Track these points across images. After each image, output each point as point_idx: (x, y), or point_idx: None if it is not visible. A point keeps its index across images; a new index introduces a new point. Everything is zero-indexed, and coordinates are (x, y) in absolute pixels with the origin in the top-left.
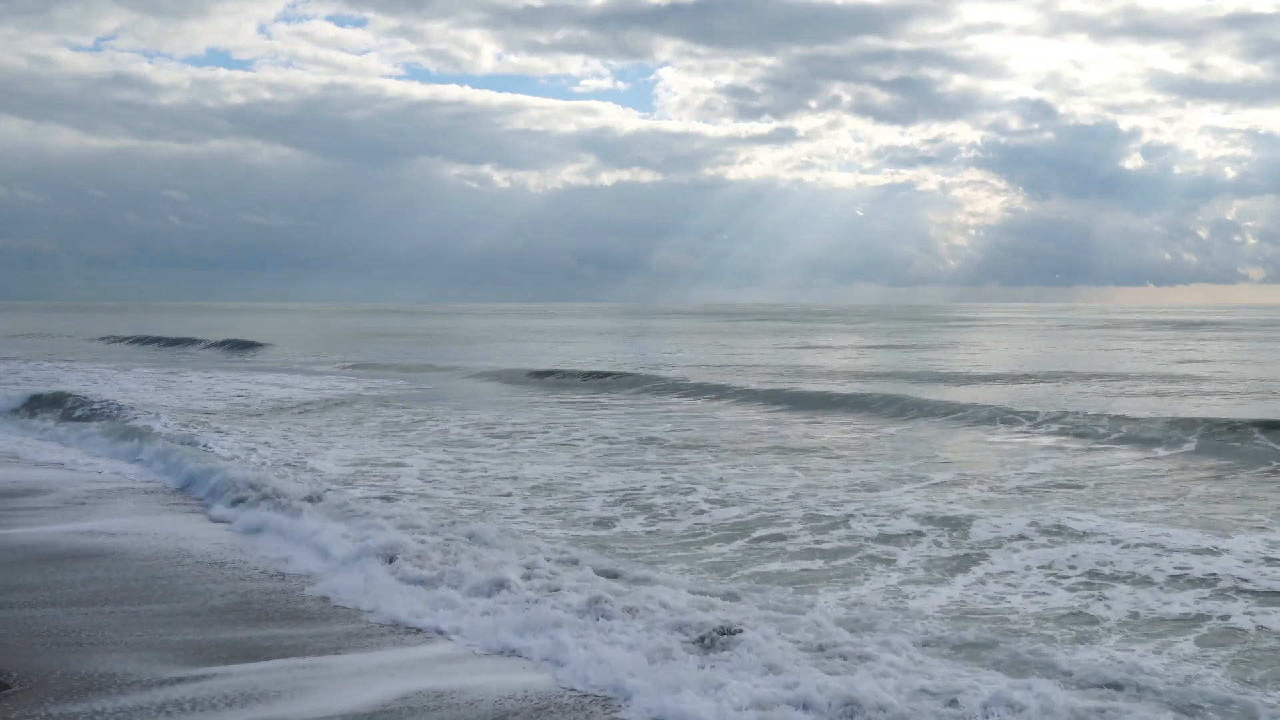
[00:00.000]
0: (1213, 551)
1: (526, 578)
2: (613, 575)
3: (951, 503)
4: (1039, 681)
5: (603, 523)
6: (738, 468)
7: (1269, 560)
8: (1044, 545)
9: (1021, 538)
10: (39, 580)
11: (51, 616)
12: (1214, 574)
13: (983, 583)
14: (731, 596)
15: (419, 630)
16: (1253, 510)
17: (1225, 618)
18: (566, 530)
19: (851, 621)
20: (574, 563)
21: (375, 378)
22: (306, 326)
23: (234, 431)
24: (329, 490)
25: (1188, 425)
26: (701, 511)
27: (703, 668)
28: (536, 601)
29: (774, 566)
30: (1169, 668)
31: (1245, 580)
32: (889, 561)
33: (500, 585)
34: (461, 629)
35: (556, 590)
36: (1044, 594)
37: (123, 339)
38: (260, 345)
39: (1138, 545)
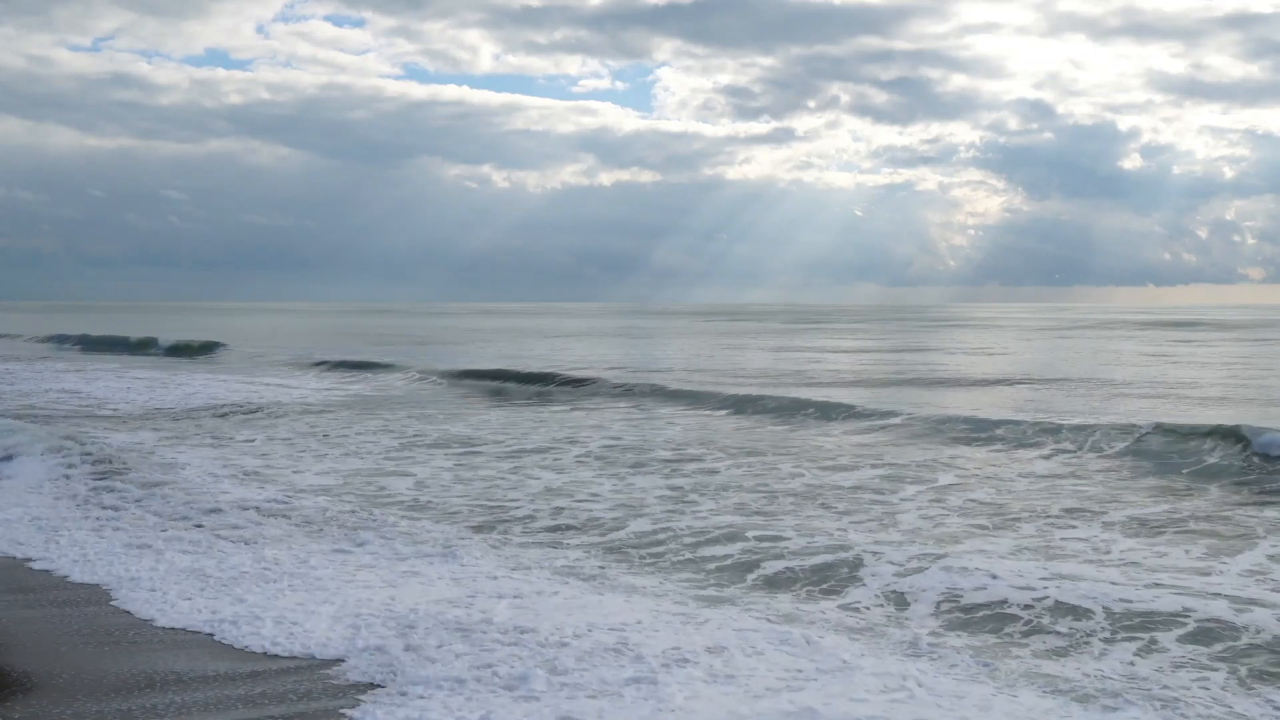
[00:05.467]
0: (1205, 572)
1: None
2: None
3: (944, 517)
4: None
5: (602, 526)
6: (741, 469)
7: (1257, 575)
8: (1036, 556)
9: (1009, 555)
10: None
11: (90, 615)
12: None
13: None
14: None
15: None
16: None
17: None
18: (576, 535)
19: None
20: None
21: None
22: (293, 326)
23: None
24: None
25: (1186, 433)
26: (700, 518)
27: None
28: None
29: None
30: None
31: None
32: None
33: None
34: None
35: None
36: (1035, 605)
37: (72, 338)
38: (218, 346)
39: (1132, 554)
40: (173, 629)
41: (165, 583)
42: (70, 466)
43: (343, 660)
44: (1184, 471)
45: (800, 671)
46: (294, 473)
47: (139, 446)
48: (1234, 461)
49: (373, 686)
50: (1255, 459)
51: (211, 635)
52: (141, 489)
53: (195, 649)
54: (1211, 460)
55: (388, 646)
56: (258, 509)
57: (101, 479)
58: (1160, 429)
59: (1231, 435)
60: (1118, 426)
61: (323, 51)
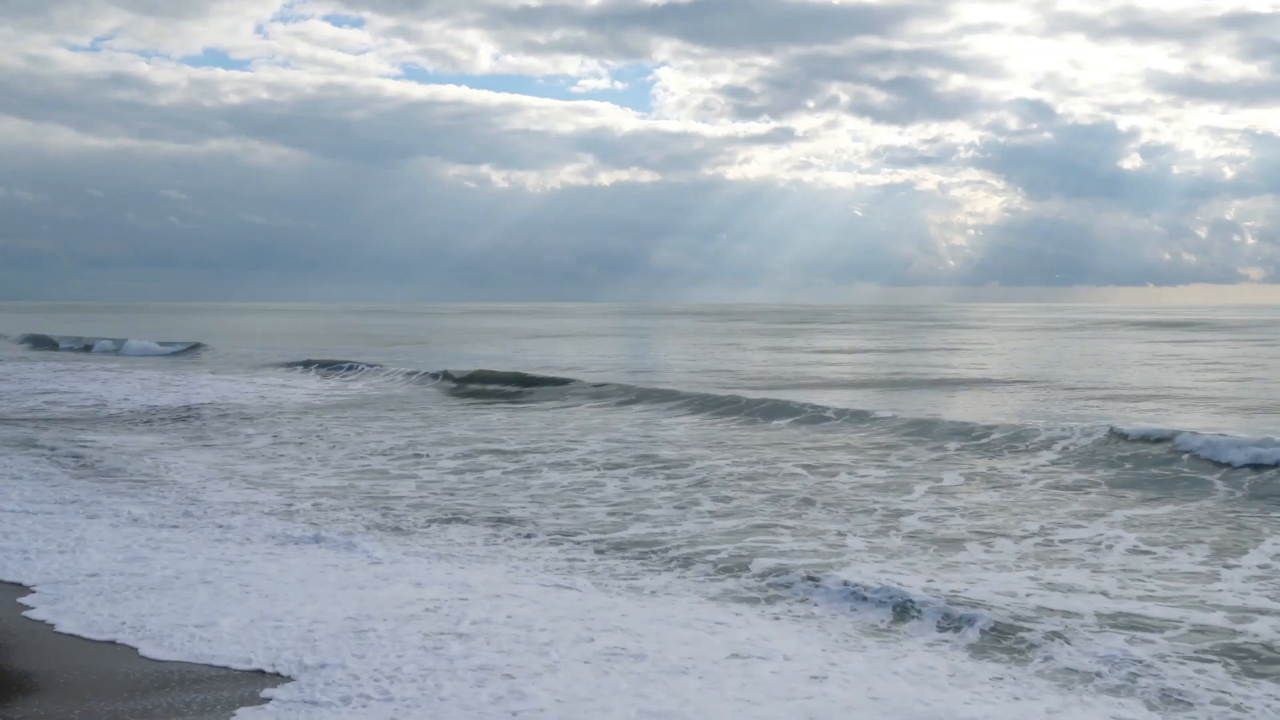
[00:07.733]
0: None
1: None
2: None
3: (946, 519)
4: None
5: (604, 526)
6: (743, 470)
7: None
8: (1037, 562)
9: (1011, 560)
10: None
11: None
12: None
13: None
14: None
15: None
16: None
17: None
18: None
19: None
20: None
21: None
22: (293, 327)
23: None
24: None
25: (1158, 438)
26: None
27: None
28: None
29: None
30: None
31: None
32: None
33: None
34: None
35: None
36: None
37: (50, 339)
38: (199, 347)
39: (1132, 561)
40: (91, 640)
41: (78, 590)
42: (46, 472)
43: (290, 676)
44: (1173, 473)
45: (807, 674)
46: (294, 475)
47: (132, 448)
48: (1197, 464)
49: (306, 703)
50: (1213, 464)
51: (117, 643)
52: (122, 488)
53: (110, 658)
54: (1184, 464)
55: (341, 660)
56: (244, 509)
57: (82, 479)
58: (1142, 433)
59: (1170, 438)
60: (1109, 428)
61: (321, 51)
